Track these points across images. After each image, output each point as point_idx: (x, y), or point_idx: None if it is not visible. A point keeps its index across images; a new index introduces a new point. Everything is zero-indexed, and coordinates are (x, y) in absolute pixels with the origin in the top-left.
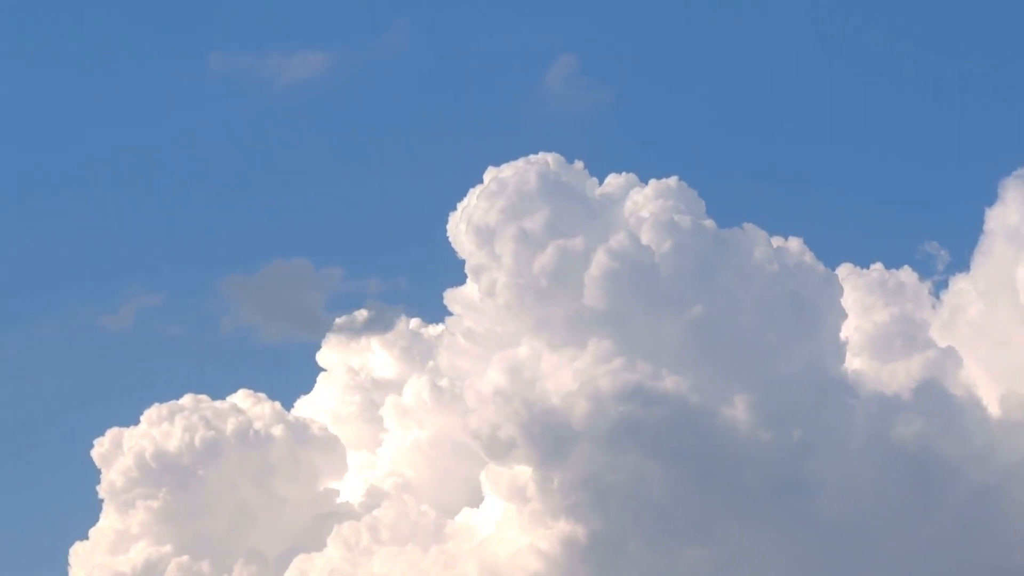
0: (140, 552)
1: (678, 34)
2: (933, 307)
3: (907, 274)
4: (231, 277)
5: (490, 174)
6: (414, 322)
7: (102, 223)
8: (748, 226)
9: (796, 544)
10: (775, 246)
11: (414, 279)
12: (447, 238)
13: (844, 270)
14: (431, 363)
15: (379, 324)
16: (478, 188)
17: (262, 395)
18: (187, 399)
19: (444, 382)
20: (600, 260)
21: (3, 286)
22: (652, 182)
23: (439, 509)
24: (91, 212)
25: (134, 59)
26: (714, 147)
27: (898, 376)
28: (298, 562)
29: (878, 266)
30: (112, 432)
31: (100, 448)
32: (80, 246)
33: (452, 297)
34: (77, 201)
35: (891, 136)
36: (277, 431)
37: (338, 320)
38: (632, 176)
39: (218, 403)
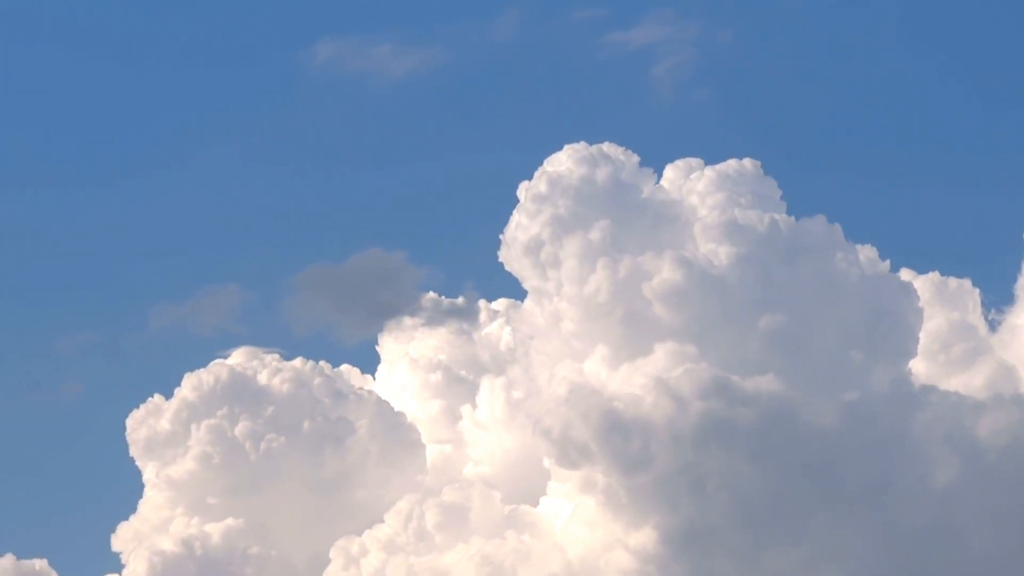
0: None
1: (795, 43)
2: (989, 321)
3: (963, 283)
4: (317, 266)
5: (540, 171)
6: (481, 303)
7: (207, 201)
8: (833, 227)
9: (889, 543)
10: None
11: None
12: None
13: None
14: (505, 368)
15: (458, 319)
16: (524, 189)
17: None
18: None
19: (517, 393)
20: (667, 271)
21: (72, 289)
22: (720, 165)
23: (511, 503)
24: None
25: (241, 43)
26: (799, 152)
27: (969, 378)
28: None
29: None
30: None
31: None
32: (174, 231)
33: (518, 318)
34: (187, 173)
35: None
36: (362, 424)
37: (412, 311)
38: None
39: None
